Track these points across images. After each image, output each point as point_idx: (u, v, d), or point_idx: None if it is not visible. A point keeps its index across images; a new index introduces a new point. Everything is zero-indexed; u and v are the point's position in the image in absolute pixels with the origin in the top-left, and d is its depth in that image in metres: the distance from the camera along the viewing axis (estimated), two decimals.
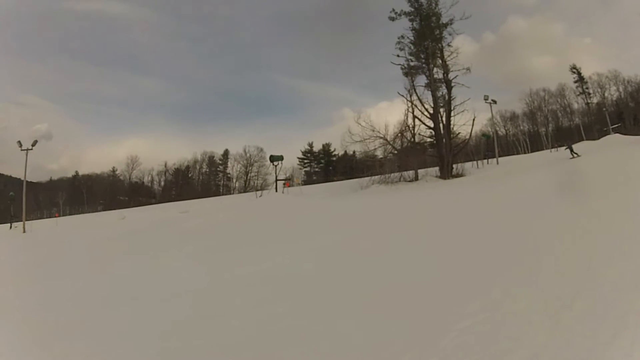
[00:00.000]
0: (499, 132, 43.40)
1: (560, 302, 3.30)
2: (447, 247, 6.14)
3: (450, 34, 27.40)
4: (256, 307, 4.53)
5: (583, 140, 38.41)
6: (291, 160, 49.56)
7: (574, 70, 45.45)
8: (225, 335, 3.85)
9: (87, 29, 63.81)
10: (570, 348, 2.63)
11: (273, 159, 25.10)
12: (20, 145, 27.75)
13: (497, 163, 29.92)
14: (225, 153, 52.93)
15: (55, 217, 39.83)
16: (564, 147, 24.80)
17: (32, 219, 34.35)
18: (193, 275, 6.84)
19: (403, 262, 5.65)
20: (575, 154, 22.61)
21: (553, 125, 44.71)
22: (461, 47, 27.91)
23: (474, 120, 26.24)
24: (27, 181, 28.97)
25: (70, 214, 44.52)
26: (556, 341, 2.73)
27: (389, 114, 57.85)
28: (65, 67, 64.49)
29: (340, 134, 45.06)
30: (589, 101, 45.76)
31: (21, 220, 27.77)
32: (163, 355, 3.54)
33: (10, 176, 48.16)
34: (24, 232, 25.48)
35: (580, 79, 45.63)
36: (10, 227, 29.64)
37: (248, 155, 51.84)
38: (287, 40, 70.88)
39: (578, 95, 45.40)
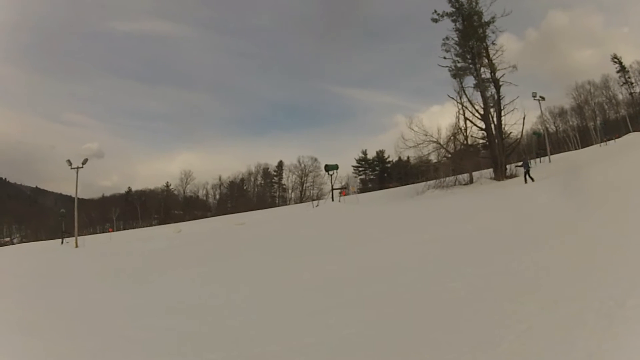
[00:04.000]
0: (549, 129, 42.23)
1: (613, 301, 3.27)
2: (504, 247, 6.19)
3: (493, 32, 27.02)
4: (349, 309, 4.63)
5: (630, 132, 37.03)
6: (346, 168, 49.53)
7: (616, 59, 43.92)
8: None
9: (131, 47, 65.99)
10: (624, 348, 2.62)
11: (328, 168, 25.31)
12: (70, 164, 27.83)
13: (550, 161, 29.15)
14: (280, 164, 52.81)
15: (109, 232, 41.17)
16: (519, 164, 19.33)
17: (85, 234, 35.49)
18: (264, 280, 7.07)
19: (469, 264, 5.61)
20: (531, 178, 18.49)
21: (601, 119, 43.18)
22: (505, 45, 27.46)
23: (524, 118, 25.74)
24: (78, 198, 30.07)
25: (124, 229, 45.89)
26: (611, 342, 2.71)
27: (441, 118, 56.59)
28: (112, 86, 67.28)
29: (394, 141, 44.36)
30: (632, 91, 44.09)
31: (73, 236, 28.32)
32: None
33: (61, 194, 50.28)
34: (77, 246, 26.15)
35: (622, 69, 44.04)
36: (62, 242, 30.24)
37: (302, 165, 51.59)
38: (334, 49, 71.18)
39: (622, 85, 43.81)
